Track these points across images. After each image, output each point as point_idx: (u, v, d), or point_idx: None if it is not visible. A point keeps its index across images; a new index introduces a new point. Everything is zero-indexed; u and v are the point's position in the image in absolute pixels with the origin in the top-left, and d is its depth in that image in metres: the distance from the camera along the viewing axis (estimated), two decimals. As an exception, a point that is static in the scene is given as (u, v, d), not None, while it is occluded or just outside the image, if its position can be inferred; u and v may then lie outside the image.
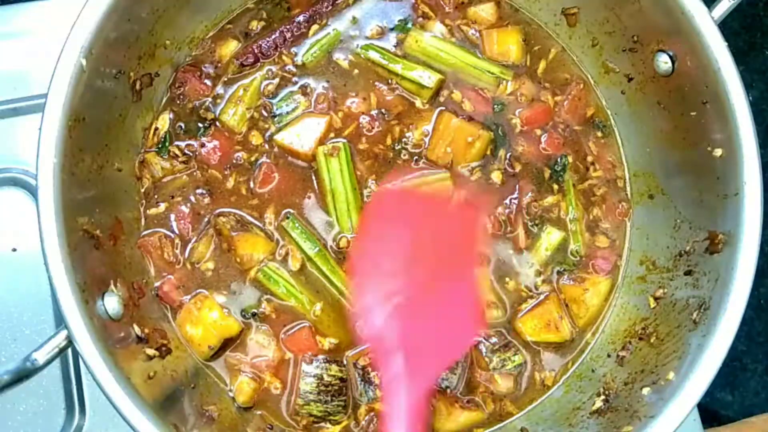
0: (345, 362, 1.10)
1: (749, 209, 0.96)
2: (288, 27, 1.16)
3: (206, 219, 1.12)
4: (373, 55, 1.17)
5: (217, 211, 1.12)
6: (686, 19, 0.99)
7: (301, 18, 1.17)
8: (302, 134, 1.13)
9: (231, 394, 1.09)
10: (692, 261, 1.05)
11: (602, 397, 1.08)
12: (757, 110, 0.94)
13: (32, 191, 1.20)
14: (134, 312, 1.03)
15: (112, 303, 0.97)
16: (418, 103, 1.17)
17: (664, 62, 1.06)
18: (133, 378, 0.92)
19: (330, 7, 1.18)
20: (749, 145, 0.97)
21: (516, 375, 1.12)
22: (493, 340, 1.12)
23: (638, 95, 1.14)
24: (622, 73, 1.16)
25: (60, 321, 1.10)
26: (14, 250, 1.21)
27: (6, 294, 1.20)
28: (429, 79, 1.15)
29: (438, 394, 1.11)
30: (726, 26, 0.98)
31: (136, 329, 1.01)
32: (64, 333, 0.88)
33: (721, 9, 1.00)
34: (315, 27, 1.18)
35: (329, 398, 1.07)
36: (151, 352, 1.02)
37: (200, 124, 1.14)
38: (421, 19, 1.20)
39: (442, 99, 1.17)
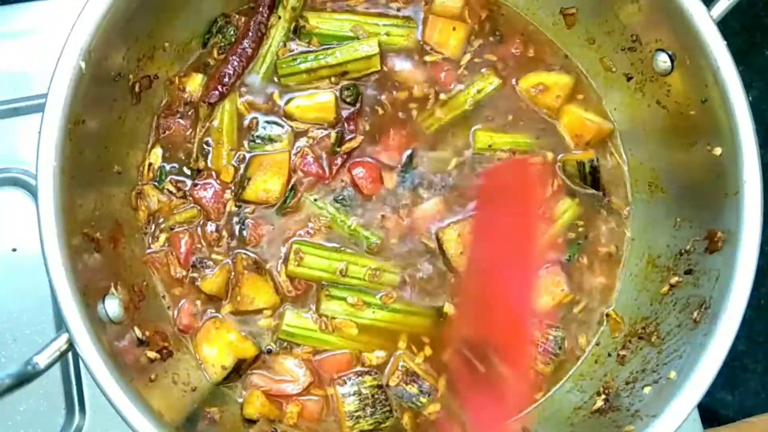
0: (383, 385, 1.10)
1: (749, 208, 0.96)
2: (237, 54, 1.14)
3: (228, 259, 1.12)
4: (307, 65, 1.15)
5: (239, 254, 1.12)
6: (685, 18, 0.99)
7: (245, 43, 1.14)
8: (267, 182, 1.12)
9: (239, 400, 1.10)
10: (693, 260, 1.05)
11: (603, 396, 1.08)
12: (757, 110, 0.94)
13: (32, 191, 1.20)
14: (135, 315, 1.03)
15: (112, 306, 0.97)
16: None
17: (663, 61, 1.06)
18: (134, 381, 0.92)
19: (267, 15, 1.15)
20: (749, 144, 0.97)
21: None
22: None
23: (637, 95, 1.14)
24: (621, 72, 1.16)
25: (60, 322, 1.10)
26: (14, 250, 1.21)
27: (6, 294, 1.20)
28: (369, 47, 1.14)
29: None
30: (726, 26, 0.98)
31: (137, 332, 1.01)
32: (65, 336, 0.88)
33: (720, 8, 1.00)
34: (259, 50, 1.16)
35: (375, 408, 1.08)
36: (152, 354, 1.02)
37: (190, 174, 1.14)
38: None
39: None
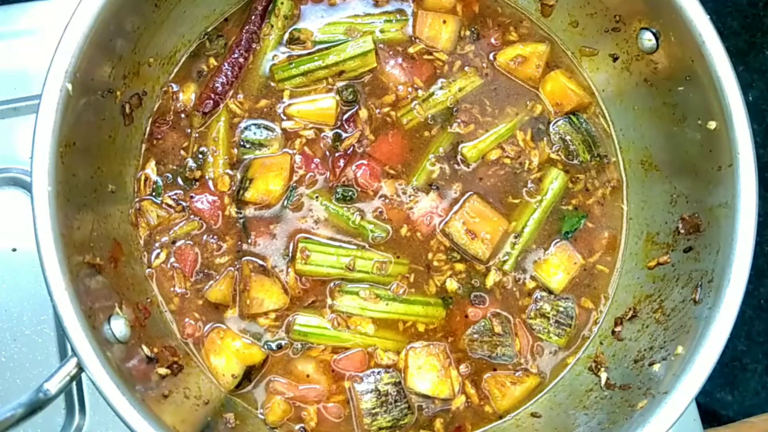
0: (401, 383, 1.11)
1: (744, 179, 0.97)
2: (229, 63, 1.14)
3: (235, 265, 1.12)
4: (304, 67, 1.16)
5: (245, 259, 1.12)
6: (667, -5, 0.99)
7: (237, 52, 1.15)
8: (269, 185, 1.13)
9: (261, 416, 1.10)
10: (691, 235, 1.06)
11: (603, 368, 1.10)
12: (757, 110, 0.93)
13: (32, 191, 1.21)
14: (141, 333, 1.02)
15: (118, 326, 0.97)
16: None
17: (647, 40, 1.07)
18: (147, 399, 0.91)
19: (259, 24, 1.16)
20: (739, 116, 0.97)
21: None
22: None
23: (624, 74, 1.15)
24: (607, 53, 1.16)
25: (59, 324, 1.09)
26: (14, 250, 1.21)
27: (6, 294, 1.20)
28: (364, 43, 1.15)
29: (489, 378, 1.13)
30: (726, 26, 0.98)
31: (145, 350, 1.01)
32: (74, 360, 0.88)
33: (701, -17, 1.00)
34: (251, 58, 1.17)
35: (391, 406, 1.09)
36: (162, 371, 1.02)
37: (186, 184, 1.14)
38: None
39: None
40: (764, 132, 1.03)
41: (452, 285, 1.14)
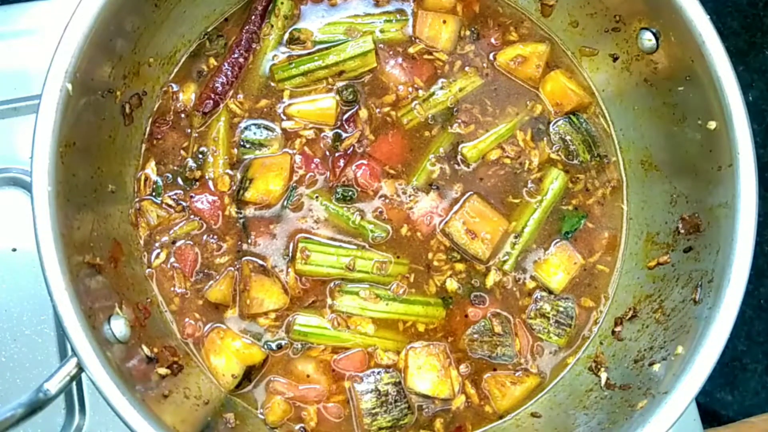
0: (400, 383, 1.11)
1: (744, 179, 0.97)
2: (229, 63, 1.15)
3: (235, 265, 1.12)
4: (304, 67, 1.16)
5: (245, 259, 1.12)
6: (667, -5, 0.99)
7: (237, 52, 1.15)
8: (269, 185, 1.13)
9: (261, 416, 1.10)
10: (691, 235, 1.06)
11: (603, 368, 1.10)
12: (757, 110, 0.93)
13: (32, 191, 1.21)
14: (141, 333, 1.03)
15: (118, 326, 0.97)
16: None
17: (647, 40, 1.07)
18: (147, 399, 0.92)
19: (259, 24, 1.16)
20: (739, 116, 0.97)
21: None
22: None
23: (624, 74, 1.15)
24: (607, 53, 1.16)
25: (59, 324, 1.09)
26: (14, 250, 1.21)
27: (6, 294, 1.20)
28: (364, 43, 1.15)
29: (489, 378, 1.13)
30: (726, 26, 0.98)
31: (145, 349, 1.01)
32: (74, 360, 0.88)
33: (701, -17, 1.00)
34: (251, 58, 1.17)
35: (391, 406, 1.09)
36: (162, 371, 1.02)
37: (186, 184, 1.14)
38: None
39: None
40: (764, 132, 1.03)
41: (452, 285, 1.14)
